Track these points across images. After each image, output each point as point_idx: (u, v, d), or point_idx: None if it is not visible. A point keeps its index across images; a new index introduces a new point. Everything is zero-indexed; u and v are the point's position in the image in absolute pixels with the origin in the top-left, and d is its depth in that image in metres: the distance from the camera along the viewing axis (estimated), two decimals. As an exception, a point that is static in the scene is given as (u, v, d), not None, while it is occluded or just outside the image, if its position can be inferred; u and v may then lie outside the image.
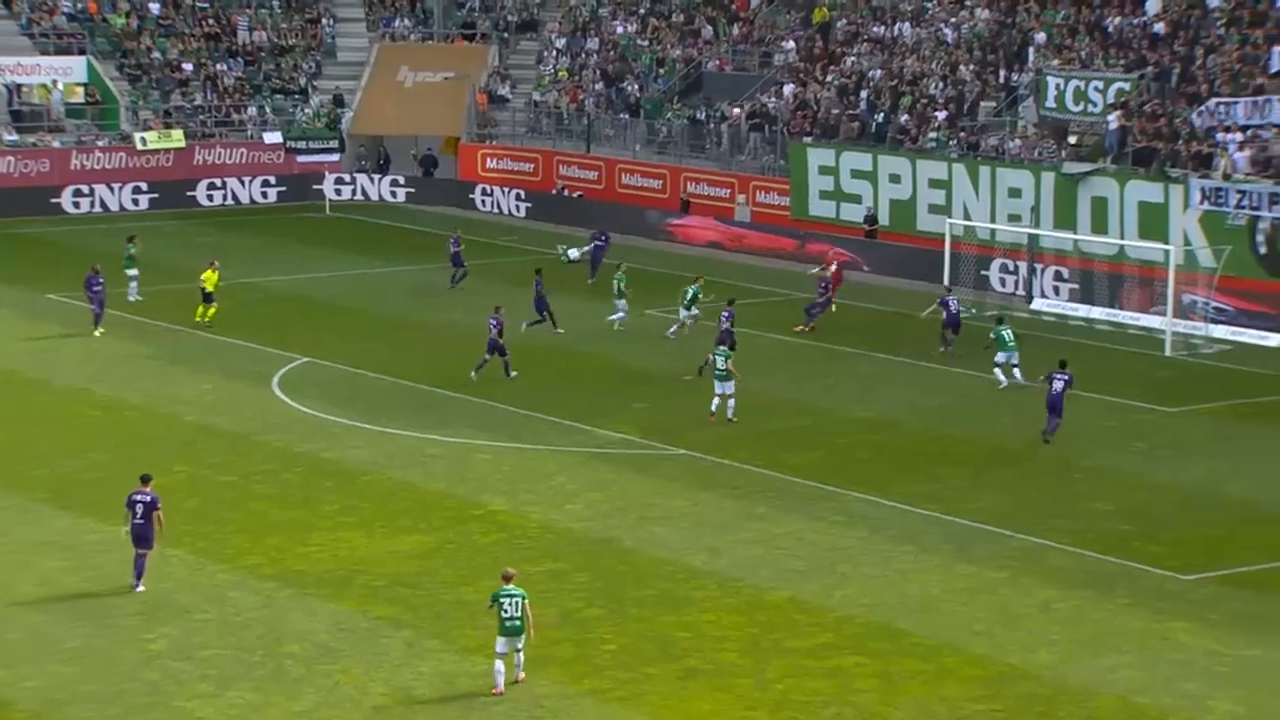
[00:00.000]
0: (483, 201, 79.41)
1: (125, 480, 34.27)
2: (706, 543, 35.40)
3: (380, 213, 78.60)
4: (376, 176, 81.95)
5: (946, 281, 57.15)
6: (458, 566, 33.84)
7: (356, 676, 28.66)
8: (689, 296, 53.59)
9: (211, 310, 54.46)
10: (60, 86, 79.51)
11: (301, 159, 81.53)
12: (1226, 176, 57.05)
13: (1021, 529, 36.31)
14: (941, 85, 69.38)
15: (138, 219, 74.28)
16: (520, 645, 28.08)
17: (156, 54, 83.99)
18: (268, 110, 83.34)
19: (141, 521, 32.13)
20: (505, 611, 27.90)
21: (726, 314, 50.19)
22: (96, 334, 53.43)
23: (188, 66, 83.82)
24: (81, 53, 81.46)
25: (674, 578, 33.35)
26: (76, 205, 76.74)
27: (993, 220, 62.35)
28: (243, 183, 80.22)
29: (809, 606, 31.97)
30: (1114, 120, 61.32)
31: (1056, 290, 59.96)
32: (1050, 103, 64.29)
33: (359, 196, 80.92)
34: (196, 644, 29.92)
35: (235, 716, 27.22)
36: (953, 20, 72.39)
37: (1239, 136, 57.94)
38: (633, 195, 75.22)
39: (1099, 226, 60.31)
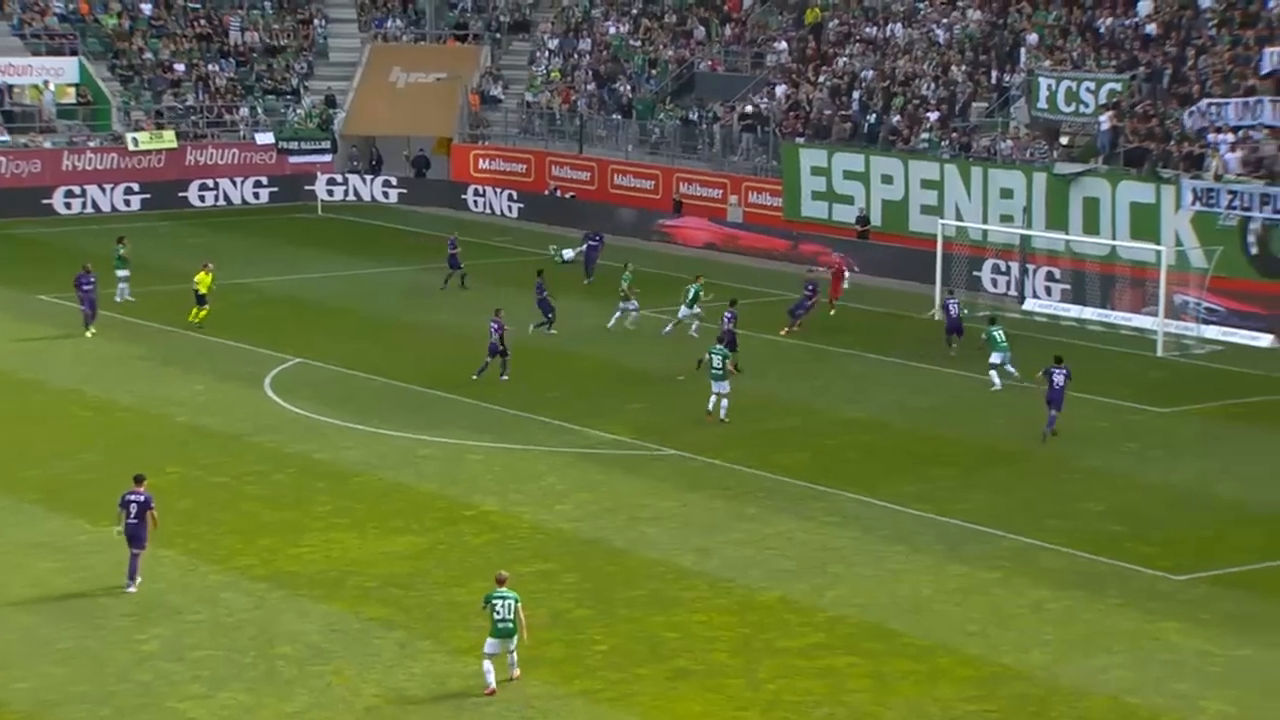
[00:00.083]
0: (475, 202, 79.37)
1: (117, 481, 34.28)
2: (697, 543, 35.38)
3: (372, 213, 78.55)
4: (368, 177, 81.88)
5: (943, 284, 57.13)
6: (450, 567, 33.83)
7: (349, 677, 28.64)
8: (690, 295, 53.64)
9: (203, 313, 54.42)
10: (52, 87, 79.44)
11: (293, 160, 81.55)
12: (1218, 177, 57.09)
13: (1013, 529, 36.33)
14: (933, 86, 69.39)
15: (129, 220, 74.20)
16: (513, 647, 28.13)
17: (148, 54, 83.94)
18: (260, 111, 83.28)
19: (135, 521, 32.11)
20: (497, 613, 27.99)
21: (729, 314, 50.22)
22: (88, 334, 53.38)
23: (179, 67, 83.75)
24: (73, 53, 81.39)
25: (664, 578, 33.34)
26: (68, 206, 76.65)
27: (985, 221, 62.33)
28: (235, 183, 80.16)
29: (800, 607, 31.96)
30: (1106, 121, 61.37)
31: (1048, 291, 59.98)
32: (1042, 103, 64.34)
33: (351, 197, 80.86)
34: (188, 645, 29.89)
35: (227, 717, 27.19)
36: (944, 21, 72.42)
37: (1230, 137, 57.99)
38: (625, 196, 75.23)
39: (1091, 227, 60.32)
